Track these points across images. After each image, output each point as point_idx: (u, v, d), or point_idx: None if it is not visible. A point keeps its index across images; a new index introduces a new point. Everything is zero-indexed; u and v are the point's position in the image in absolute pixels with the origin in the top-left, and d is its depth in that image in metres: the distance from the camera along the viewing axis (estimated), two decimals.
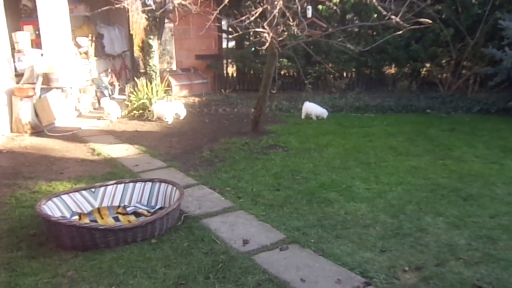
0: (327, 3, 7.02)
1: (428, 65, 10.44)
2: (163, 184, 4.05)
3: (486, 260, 3.03)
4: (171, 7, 8.80)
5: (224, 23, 11.29)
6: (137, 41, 14.37)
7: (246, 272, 2.90)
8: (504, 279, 2.80)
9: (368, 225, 3.60)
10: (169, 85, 9.76)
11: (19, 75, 7.33)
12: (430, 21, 5.30)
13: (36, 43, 8.16)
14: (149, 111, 8.12)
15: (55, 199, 3.63)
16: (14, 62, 7.30)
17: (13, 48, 7.34)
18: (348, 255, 3.12)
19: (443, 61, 10.19)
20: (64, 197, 3.73)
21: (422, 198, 4.16)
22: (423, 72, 10.80)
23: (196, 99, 10.12)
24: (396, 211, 3.86)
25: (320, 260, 3.08)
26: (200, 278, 2.85)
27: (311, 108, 8.03)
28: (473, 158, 5.46)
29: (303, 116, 8.03)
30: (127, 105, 8.58)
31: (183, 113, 8.17)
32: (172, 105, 8.18)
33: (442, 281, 2.79)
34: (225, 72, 11.76)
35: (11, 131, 6.85)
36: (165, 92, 8.76)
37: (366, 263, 3.00)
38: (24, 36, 7.63)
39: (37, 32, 8.24)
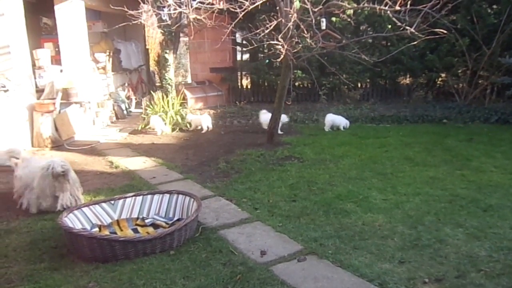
0: (341, 15, 7.06)
1: (443, 75, 10.37)
2: (180, 196, 4.09)
3: (508, 272, 2.98)
4: (186, 22, 8.97)
5: (238, 36, 11.44)
6: (153, 56, 14.64)
7: (264, 283, 2.90)
8: None
9: (386, 236, 3.58)
10: (184, 98, 9.89)
11: (39, 91, 7.55)
12: (445, 31, 5.29)
13: (56, 59, 8.41)
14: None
15: (76, 212, 3.71)
16: (35, 78, 7.52)
17: (34, 65, 7.56)
18: (367, 266, 3.10)
19: (459, 71, 10.11)
20: (85, 209, 3.80)
21: (441, 209, 4.12)
22: (438, 82, 10.73)
23: (211, 112, 10.20)
24: (414, 222, 3.83)
25: (338, 271, 3.07)
26: None
27: (339, 120, 8.03)
28: (492, 168, 5.38)
29: (328, 128, 7.95)
30: (144, 118, 8.71)
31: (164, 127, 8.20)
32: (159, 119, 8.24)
33: None
34: (239, 84, 11.87)
35: (32, 146, 7.02)
36: (180, 105, 8.88)
37: (385, 275, 2.98)
38: (44, 53, 7.87)
39: (57, 49, 8.50)
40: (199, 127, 8.34)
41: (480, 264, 3.10)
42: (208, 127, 8.26)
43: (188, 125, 8.45)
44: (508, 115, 8.23)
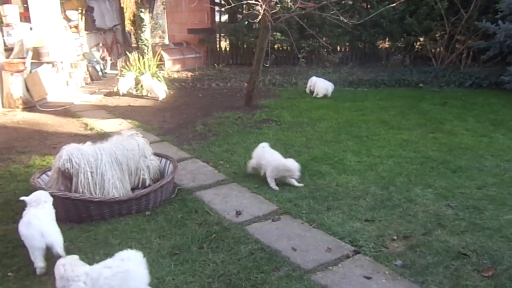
0: None
1: (422, 39, 10.40)
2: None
3: (472, 229, 3.12)
4: None
5: None
6: (128, 15, 14.14)
7: (239, 242, 2.97)
8: (488, 246, 2.90)
9: (358, 197, 3.68)
10: (161, 60, 9.68)
11: (8, 50, 7.22)
12: None
13: (25, 16, 8.01)
14: (141, 86, 8.06)
15: (49, 173, 3.66)
16: (3, 36, 7.18)
17: (1, 22, 7.20)
18: (339, 225, 3.20)
19: (437, 35, 10.15)
20: None
21: (412, 170, 4.23)
22: (416, 46, 10.77)
23: (189, 74, 10.05)
24: (386, 183, 3.94)
25: (311, 230, 3.15)
26: (194, 248, 2.91)
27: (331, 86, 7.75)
28: (463, 131, 5.53)
29: (321, 94, 7.64)
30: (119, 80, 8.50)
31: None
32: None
33: (428, 249, 2.88)
34: (218, 46, 11.65)
35: (3, 106, 6.80)
36: (157, 67, 8.69)
37: (355, 233, 3.08)
38: (12, 9, 7.47)
39: (25, 5, 8.07)
40: (152, 94, 7.72)
41: (447, 222, 3.23)
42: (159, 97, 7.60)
43: (145, 92, 7.84)
44: (482, 80, 8.39)
